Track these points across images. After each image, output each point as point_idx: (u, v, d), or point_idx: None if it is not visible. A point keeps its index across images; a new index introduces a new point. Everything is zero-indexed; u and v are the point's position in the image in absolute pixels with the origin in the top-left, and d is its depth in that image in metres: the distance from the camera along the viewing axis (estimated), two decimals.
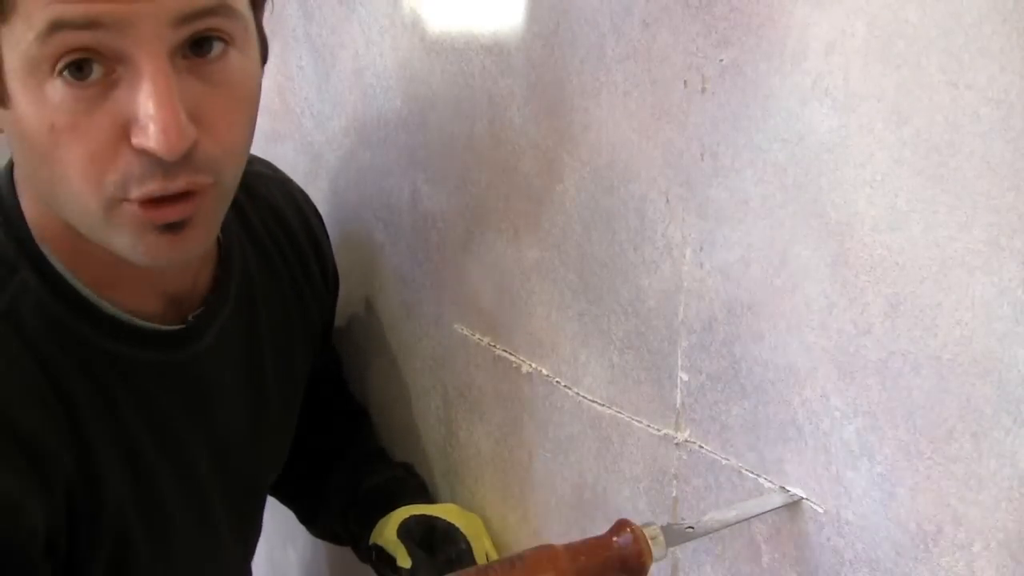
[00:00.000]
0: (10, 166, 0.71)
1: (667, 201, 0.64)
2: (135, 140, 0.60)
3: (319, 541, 1.10)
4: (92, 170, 0.61)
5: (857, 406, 0.54)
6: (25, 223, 0.69)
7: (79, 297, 0.70)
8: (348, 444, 1.02)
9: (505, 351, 0.84)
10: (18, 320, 0.67)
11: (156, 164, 0.61)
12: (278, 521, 0.99)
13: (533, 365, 0.81)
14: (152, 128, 0.59)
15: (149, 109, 0.59)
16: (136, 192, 0.62)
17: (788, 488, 0.60)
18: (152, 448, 0.75)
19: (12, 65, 0.59)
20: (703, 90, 0.59)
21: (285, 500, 1.03)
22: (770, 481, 0.61)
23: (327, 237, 0.97)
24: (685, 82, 0.60)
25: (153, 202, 0.63)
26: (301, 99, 1.06)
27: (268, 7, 0.70)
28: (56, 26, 0.57)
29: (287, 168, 0.98)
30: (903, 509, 0.53)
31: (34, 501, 0.65)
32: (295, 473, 0.96)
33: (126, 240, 0.65)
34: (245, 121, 0.67)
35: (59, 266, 0.69)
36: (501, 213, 0.80)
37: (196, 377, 0.78)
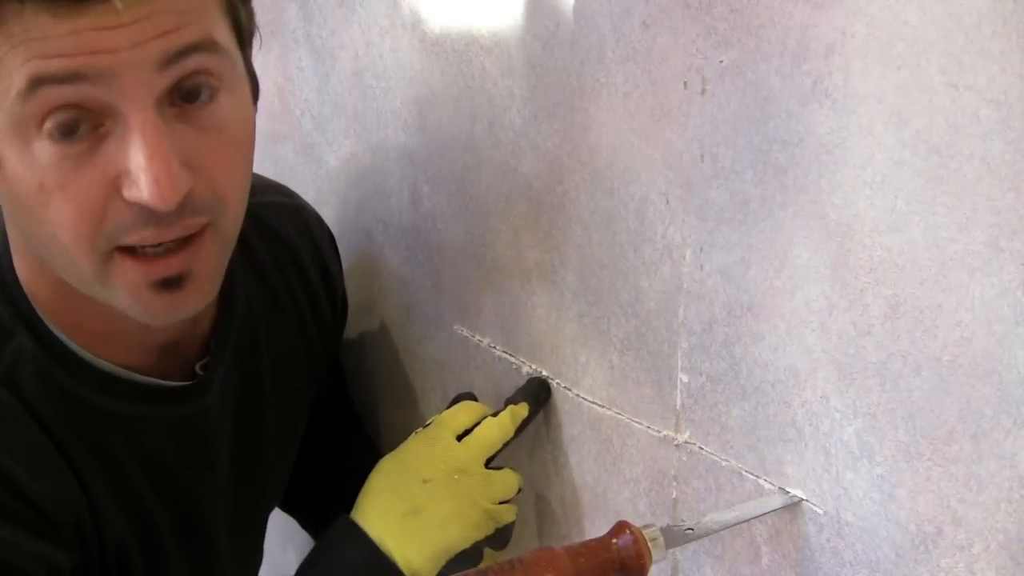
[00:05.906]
0: (2, 228, 0.69)
1: (667, 202, 0.64)
2: (127, 193, 0.59)
3: None
4: (84, 227, 0.60)
5: (857, 407, 0.54)
6: (20, 286, 0.68)
7: (76, 359, 0.69)
8: (345, 452, 1.01)
9: (505, 352, 0.84)
10: (17, 385, 0.66)
11: (149, 215, 0.60)
12: (278, 521, 0.98)
13: (533, 366, 0.81)
14: (144, 180, 0.58)
15: (140, 161, 0.58)
16: (129, 239, 0.61)
17: (788, 489, 0.60)
18: (153, 497, 0.75)
19: None
20: (703, 91, 0.59)
21: (287, 510, 1.03)
22: (770, 482, 0.61)
23: (339, 264, 0.95)
24: (685, 83, 0.60)
25: (147, 258, 0.62)
26: (301, 100, 1.06)
27: (256, 43, 0.68)
28: (37, 82, 0.55)
29: (287, 169, 0.98)
30: (903, 510, 0.53)
31: (63, 559, 0.66)
32: (295, 485, 0.96)
33: (123, 298, 0.64)
34: (240, 165, 0.65)
35: (55, 328, 0.68)
36: (501, 214, 0.80)
37: (200, 429, 0.77)
